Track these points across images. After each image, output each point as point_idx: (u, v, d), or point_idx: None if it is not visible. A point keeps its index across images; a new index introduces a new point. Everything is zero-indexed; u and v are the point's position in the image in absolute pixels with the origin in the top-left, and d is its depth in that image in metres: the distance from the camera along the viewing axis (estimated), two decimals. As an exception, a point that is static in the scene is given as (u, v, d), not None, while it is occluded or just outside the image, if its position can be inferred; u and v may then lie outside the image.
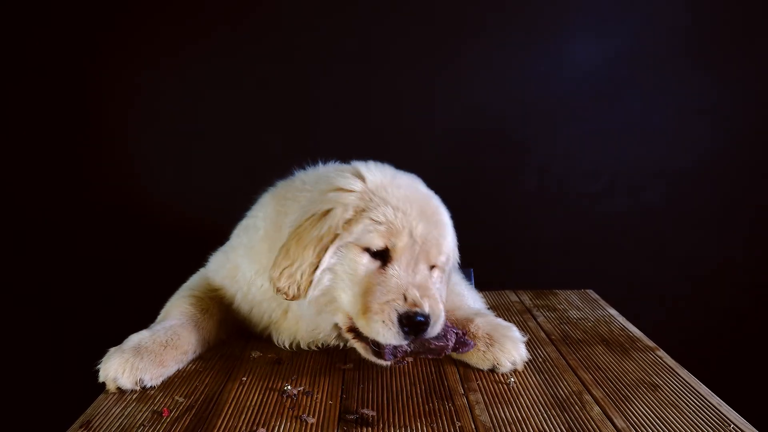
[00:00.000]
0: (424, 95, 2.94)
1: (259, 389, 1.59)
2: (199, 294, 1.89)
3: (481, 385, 1.62)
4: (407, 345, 1.57)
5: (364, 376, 1.66)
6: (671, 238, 3.05)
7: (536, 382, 1.62)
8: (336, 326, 1.69)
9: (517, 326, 1.78)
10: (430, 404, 1.51)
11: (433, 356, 1.63)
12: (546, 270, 3.06)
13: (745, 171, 3.01)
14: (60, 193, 2.91)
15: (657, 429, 1.40)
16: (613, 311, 2.21)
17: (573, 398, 1.54)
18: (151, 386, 1.58)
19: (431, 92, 2.94)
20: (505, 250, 3.04)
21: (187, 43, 2.87)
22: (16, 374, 2.98)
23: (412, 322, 1.51)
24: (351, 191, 1.64)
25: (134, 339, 1.64)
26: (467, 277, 2.23)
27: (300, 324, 1.79)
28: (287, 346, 1.83)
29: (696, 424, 1.42)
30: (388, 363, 1.58)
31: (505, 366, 1.67)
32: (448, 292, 1.79)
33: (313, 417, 1.44)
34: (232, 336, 1.91)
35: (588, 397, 1.54)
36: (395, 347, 1.56)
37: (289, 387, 1.58)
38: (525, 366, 1.71)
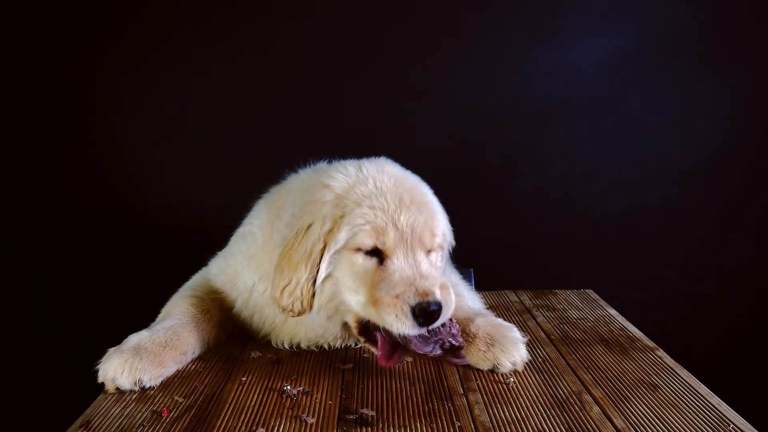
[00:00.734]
0: (424, 95, 2.94)
1: (258, 389, 1.59)
2: (201, 295, 1.90)
3: (480, 385, 1.62)
4: (424, 334, 1.55)
5: (364, 376, 1.66)
6: (671, 238, 3.05)
7: (536, 382, 1.62)
8: (345, 327, 1.71)
9: (517, 326, 1.78)
10: (430, 404, 1.51)
11: (446, 353, 1.59)
12: (546, 270, 3.06)
13: (745, 171, 3.01)
14: (59, 193, 2.91)
15: (656, 429, 1.39)
16: (612, 311, 2.21)
17: (572, 398, 1.54)
18: (150, 386, 1.58)
19: (431, 92, 2.95)
20: (505, 250, 3.04)
21: (184, 44, 2.87)
22: (16, 374, 2.98)
23: (426, 312, 1.50)
24: (323, 202, 1.64)
25: (133, 339, 1.64)
26: (467, 277, 2.23)
27: (299, 327, 1.79)
28: (286, 347, 1.83)
29: (696, 424, 1.41)
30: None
31: (506, 366, 1.67)
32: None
33: (313, 417, 1.44)
34: (232, 336, 1.91)
35: (587, 397, 1.54)
36: (408, 343, 1.56)
37: (288, 387, 1.58)
38: (524, 366, 1.71)
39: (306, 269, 1.60)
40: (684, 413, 1.46)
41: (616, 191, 3.02)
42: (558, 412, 1.47)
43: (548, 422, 1.42)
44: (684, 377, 1.66)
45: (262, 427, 1.40)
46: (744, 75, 2.94)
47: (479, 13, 2.89)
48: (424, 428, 1.40)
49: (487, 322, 1.75)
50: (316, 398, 1.54)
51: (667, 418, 1.44)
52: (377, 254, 1.60)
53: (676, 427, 1.40)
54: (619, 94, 2.95)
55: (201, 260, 2.06)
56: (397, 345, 1.58)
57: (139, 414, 1.46)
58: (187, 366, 1.72)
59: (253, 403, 1.51)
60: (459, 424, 1.42)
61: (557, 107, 2.96)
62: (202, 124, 2.92)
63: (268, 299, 1.76)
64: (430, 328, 1.54)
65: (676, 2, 2.90)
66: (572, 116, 2.97)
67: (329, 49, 2.89)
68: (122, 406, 1.50)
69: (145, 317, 1.85)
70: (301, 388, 1.59)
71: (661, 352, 1.83)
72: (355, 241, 1.59)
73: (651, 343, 1.90)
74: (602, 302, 2.32)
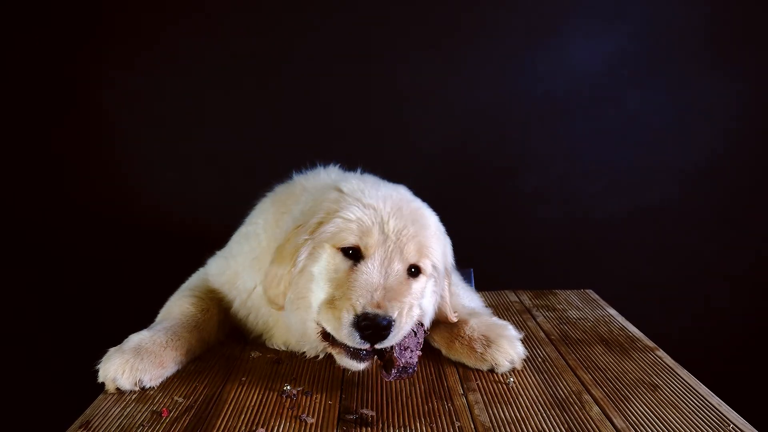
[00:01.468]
0: (425, 95, 2.95)
1: (258, 389, 1.59)
2: (200, 294, 1.89)
3: (480, 385, 1.62)
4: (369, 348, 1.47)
5: (364, 376, 1.66)
6: (671, 238, 3.05)
7: (535, 382, 1.62)
8: (318, 335, 1.62)
9: (517, 326, 1.78)
10: (430, 404, 1.51)
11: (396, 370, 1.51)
12: (546, 270, 3.06)
13: (745, 171, 3.01)
14: (59, 192, 2.91)
15: (656, 429, 1.39)
16: (612, 311, 2.21)
17: (572, 398, 1.54)
18: (150, 387, 1.58)
19: (431, 92, 2.95)
20: (505, 250, 3.04)
21: (184, 43, 2.87)
22: (16, 374, 2.98)
23: (372, 324, 1.42)
24: (327, 200, 1.64)
25: (134, 339, 1.63)
26: (467, 277, 2.23)
27: (290, 332, 1.78)
28: (283, 348, 1.83)
29: (696, 424, 1.41)
30: (362, 366, 1.51)
31: (504, 366, 1.67)
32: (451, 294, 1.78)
33: (313, 417, 1.44)
34: (232, 336, 1.91)
35: (587, 397, 1.54)
36: (366, 351, 1.48)
37: (288, 387, 1.58)
38: (524, 366, 1.71)
39: (290, 261, 1.59)
40: (684, 413, 1.46)
41: (616, 191, 3.02)
42: (558, 412, 1.47)
43: (548, 422, 1.42)
44: (684, 377, 1.66)
45: (262, 427, 1.40)
46: (744, 75, 2.94)
47: (479, 13, 2.89)
48: (424, 428, 1.40)
49: (481, 322, 1.74)
50: (316, 398, 1.54)
51: (667, 418, 1.44)
52: (356, 257, 1.56)
53: (676, 427, 1.40)
54: (619, 94, 2.96)
55: (200, 259, 2.06)
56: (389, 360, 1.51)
57: (139, 414, 1.46)
58: (186, 366, 1.71)
59: (252, 403, 1.51)
60: (459, 424, 1.42)
61: (557, 107, 2.96)
62: (201, 124, 2.93)
63: (264, 299, 1.75)
64: (377, 347, 1.46)
65: (676, 2, 2.90)
66: (572, 116, 2.97)
67: (328, 49, 2.89)
68: (122, 406, 1.50)
69: (144, 317, 1.85)
70: (301, 388, 1.59)
71: (661, 352, 1.83)
72: (338, 237, 1.56)
73: (651, 343, 1.90)
74: (602, 302, 2.32)
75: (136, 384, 1.56)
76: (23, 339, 2.97)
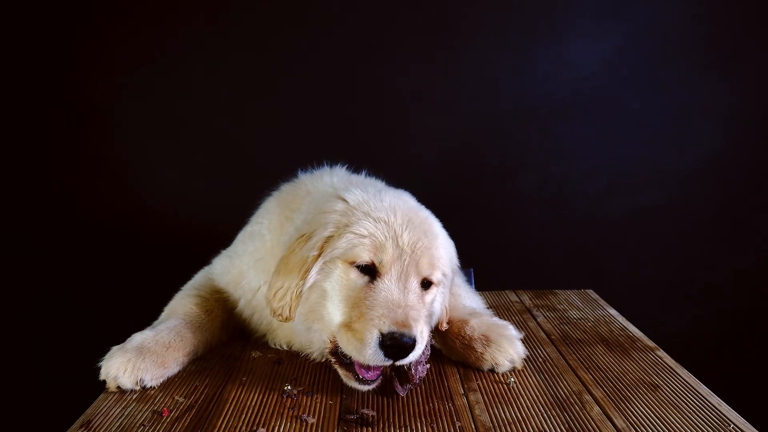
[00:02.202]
0: (425, 96, 2.95)
1: (259, 389, 1.59)
2: (204, 294, 1.89)
3: (481, 385, 1.62)
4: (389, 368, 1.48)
5: (364, 376, 1.65)
6: (671, 238, 3.05)
7: (536, 382, 1.62)
8: (324, 343, 1.63)
9: (517, 326, 1.78)
10: (430, 404, 1.51)
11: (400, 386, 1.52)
12: (546, 270, 3.06)
13: (745, 171, 3.01)
14: (60, 192, 2.91)
15: (657, 429, 1.40)
16: (613, 311, 2.21)
17: (573, 398, 1.54)
18: (151, 386, 1.58)
19: (431, 93, 2.95)
20: (505, 250, 3.04)
21: (184, 44, 2.87)
22: (16, 374, 2.98)
23: (398, 344, 1.42)
24: (333, 211, 1.60)
25: (137, 338, 1.63)
26: (467, 277, 2.23)
27: (294, 336, 1.78)
28: (285, 348, 1.83)
29: (696, 424, 1.42)
30: (370, 387, 1.51)
31: (504, 365, 1.67)
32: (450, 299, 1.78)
33: (313, 417, 1.45)
34: (233, 336, 1.91)
35: (588, 397, 1.54)
36: (377, 371, 1.49)
37: (289, 387, 1.58)
38: (525, 366, 1.71)
39: (298, 274, 1.57)
40: (684, 413, 1.47)
41: (616, 191, 3.02)
42: (558, 412, 1.47)
43: (548, 422, 1.42)
44: (684, 377, 1.66)
45: (263, 427, 1.40)
46: (744, 75, 2.94)
47: (479, 13, 2.90)
48: (425, 428, 1.40)
49: (481, 322, 1.74)
50: (316, 398, 1.54)
51: (667, 418, 1.44)
52: (371, 273, 1.55)
53: (677, 427, 1.40)
54: (620, 94, 2.96)
55: (204, 258, 2.05)
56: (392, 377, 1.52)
57: (140, 414, 1.46)
58: (187, 366, 1.72)
59: (253, 403, 1.51)
60: (459, 424, 1.42)
61: (557, 107, 2.96)
62: (202, 124, 2.93)
63: None
64: (397, 364, 1.46)
65: (676, 2, 2.90)
66: (572, 116, 2.97)
67: (329, 50, 2.89)
68: (123, 405, 1.50)
69: (147, 315, 1.85)
70: (302, 388, 1.59)
71: (661, 352, 1.83)
72: (352, 254, 1.54)
73: (651, 343, 1.90)
74: (602, 302, 2.32)
75: (137, 383, 1.56)
76: (24, 339, 2.96)
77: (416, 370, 1.52)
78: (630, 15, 2.90)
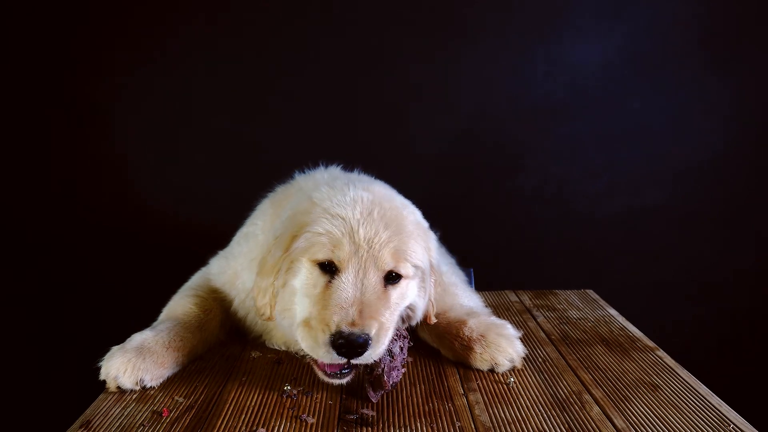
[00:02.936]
0: (424, 95, 2.95)
1: (259, 389, 1.59)
2: (203, 294, 1.89)
3: (480, 385, 1.62)
4: (346, 365, 1.48)
5: (364, 377, 1.65)
6: (671, 238, 3.05)
7: (536, 382, 1.62)
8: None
9: (517, 326, 1.78)
10: (430, 404, 1.51)
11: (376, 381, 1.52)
12: (546, 270, 3.06)
13: (745, 171, 3.01)
14: (60, 191, 2.91)
15: (657, 429, 1.40)
16: (613, 311, 2.21)
17: (573, 398, 1.54)
18: (151, 386, 1.58)
19: (431, 92, 2.95)
20: (505, 250, 3.04)
21: (184, 45, 2.87)
22: (16, 374, 2.98)
23: (348, 343, 1.41)
24: (302, 212, 1.60)
25: (137, 338, 1.64)
26: (467, 277, 2.23)
27: (288, 336, 1.78)
28: (283, 349, 1.82)
29: (696, 424, 1.42)
30: (342, 381, 1.52)
31: (504, 365, 1.68)
32: (440, 293, 1.78)
33: (313, 417, 1.45)
34: (232, 336, 1.91)
35: (588, 397, 1.54)
36: (342, 366, 1.49)
37: (288, 387, 1.58)
38: (524, 366, 1.71)
39: (272, 275, 1.59)
40: (684, 413, 1.47)
41: (616, 191, 3.02)
42: (558, 412, 1.47)
43: (548, 422, 1.42)
44: (684, 377, 1.66)
45: (263, 427, 1.40)
46: (744, 75, 2.94)
47: (479, 12, 2.89)
48: (425, 428, 1.40)
49: (479, 322, 1.74)
50: (316, 398, 1.54)
51: (667, 418, 1.44)
52: (332, 270, 1.53)
53: (676, 427, 1.40)
54: (619, 94, 2.96)
55: (203, 258, 2.06)
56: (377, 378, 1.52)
57: (140, 414, 1.46)
58: (187, 366, 1.71)
59: (253, 403, 1.51)
60: (459, 424, 1.42)
61: (557, 107, 2.96)
62: (202, 124, 2.92)
63: None
64: (353, 362, 1.46)
65: (676, 2, 2.90)
66: (572, 116, 2.97)
67: (329, 49, 2.89)
68: (122, 406, 1.50)
69: (146, 316, 1.85)
70: (302, 388, 1.59)
71: (661, 352, 1.83)
72: (312, 252, 1.54)
73: (651, 343, 1.90)
74: (602, 302, 2.32)
75: (137, 383, 1.56)
76: (24, 339, 2.96)
77: (389, 376, 1.51)
78: (630, 15, 2.90)
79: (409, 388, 1.59)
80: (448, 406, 1.50)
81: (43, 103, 2.85)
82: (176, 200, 2.96)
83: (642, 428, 1.40)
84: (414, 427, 1.40)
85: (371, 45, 2.90)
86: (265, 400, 1.53)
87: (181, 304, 1.84)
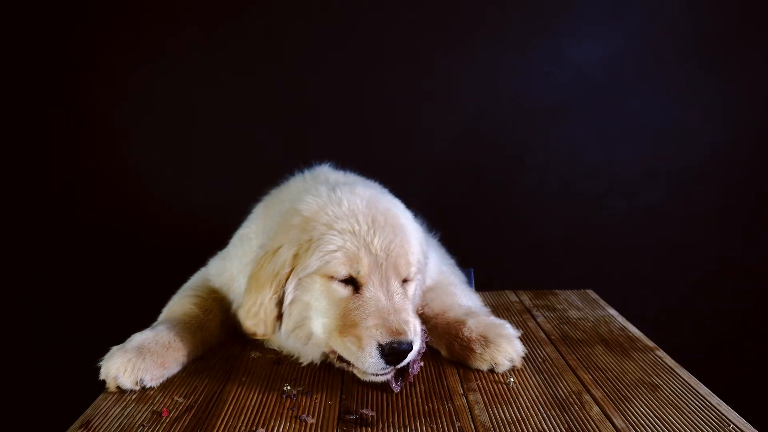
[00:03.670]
0: (425, 96, 2.94)
1: (258, 389, 1.59)
2: (202, 294, 1.89)
3: (480, 385, 1.62)
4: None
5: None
6: (671, 238, 3.05)
7: (536, 382, 1.62)
8: (324, 355, 1.66)
9: (517, 326, 1.78)
10: (430, 404, 1.51)
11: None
12: (546, 270, 3.06)
13: (745, 171, 3.01)
14: (60, 191, 2.92)
15: (656, 429, 1.40)
16: (613, 311, 2.21)
17: (572, 398, 1.54)
18: (151, 386, 1.58)
19: (432, 93, 2.95)
20: (505, 250, 3.04)
21: (185, 45, 2.87)
22: (16, 374, 2.98)
23: (396, 352, 1.46)
24: (292, 226, 1.59)
25: (137, 339, 1.64)
26: (467, 277, 2.23)
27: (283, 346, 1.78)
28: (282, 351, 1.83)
29: (696, 424, 1.42)
30: (388, 377, 1.54)
31: (504, 365, 1.68)
32: (439, 293, 1.78)
33: (313, 417, 1.45)
34: (232, 336, 1.91)
35: (587, 397, 1.54)
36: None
37: (288, 387, 1.58)
38: (524, 366, 1.71)
39: (270, 290, 1.57)
40: (684, 413, 1.46)
41: (616, 191, 3.02)
42: (558, 412, 1.47)
43: (548, 422, 1.42)
44: (684, 377, 1.66)
45: (262, 427, 1.40)
46: (744, 75, 2.94)
47: (479, 13, 2.89)
48: (424, 428, 1.40)
49: (478, 322, 1.74)
50: (316, 398, 1.54)
51: (667, 418, 1.44)
52: (352, 282, 1.55)
53: (676, 427, 1.40)
54: (619, 94, 2.96)
55: (201, 258, 2.06)
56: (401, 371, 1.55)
57: (139, 414, 1.46)
58: (187, 366, 1.72)
59: (253, 403, 1.52)
60: (459, 424, 1.42)
61: (557, 107, 2.96)
62: (202, 124, 2.92)
63: None
64: (398, 367, 1.51)
65: (676, 2, 2.90)
66: (572, 116, 2.97)
67: (330, 50, 2.89)
68: (122, 406, 1.50)
69: (146, 316, 1.85)
70: (301, 388, 1.59)
71: (661, 352, 1.83)
72: (327, 269, 1.54)
73: (651, 343, 1.90)
74: (602, 302, 2.32)
75: (137, 383, 1.56)
76: (24, 339, 2.96)
77: (413, 368, 1.56)
78: (630, 15, 2.90)
79: (408, 388, 1.59)
80: (448, 406, 1.50)
81: (43, 103, 2.86)
82: (176, 200, 2.96)
83: (642, 428, 1.40)
84: (414, 427, 1.40)
85: (372, 46, 2.90)
86: (264, 400, 1.53)
87: (180, 305, 1.84)
